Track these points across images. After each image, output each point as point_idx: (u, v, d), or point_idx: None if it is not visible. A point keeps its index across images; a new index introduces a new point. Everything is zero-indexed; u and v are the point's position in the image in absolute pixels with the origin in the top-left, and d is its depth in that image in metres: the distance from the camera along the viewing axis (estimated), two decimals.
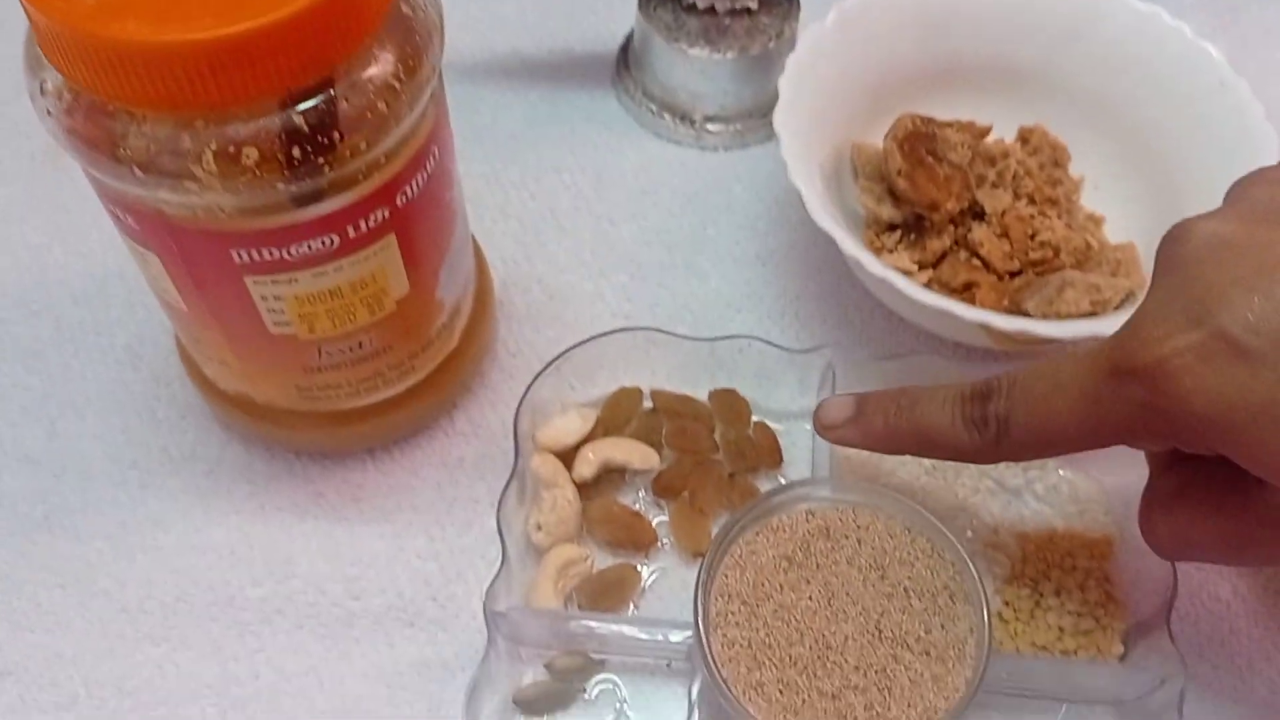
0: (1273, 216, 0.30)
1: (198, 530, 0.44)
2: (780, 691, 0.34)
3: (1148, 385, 0.29)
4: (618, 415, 0.45)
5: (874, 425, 0.37)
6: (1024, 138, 0.51)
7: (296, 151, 0.31)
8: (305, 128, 0.31)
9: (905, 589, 0.36)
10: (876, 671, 0.35)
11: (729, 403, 0.45)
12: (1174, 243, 0.31)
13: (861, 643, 0.35)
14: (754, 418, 0.45)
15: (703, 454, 0.44)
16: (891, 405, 0.37)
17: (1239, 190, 0.32)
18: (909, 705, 0.34)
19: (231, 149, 0.30)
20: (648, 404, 0.46)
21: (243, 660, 0.41)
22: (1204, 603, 0.42)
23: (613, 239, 0.52)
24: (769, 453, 0.44)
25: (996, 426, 0.34)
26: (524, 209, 0.53)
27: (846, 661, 0.35)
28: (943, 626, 0.36)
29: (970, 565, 0.36)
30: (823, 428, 0.38)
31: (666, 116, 0.55)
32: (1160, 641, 0.38)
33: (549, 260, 0.51)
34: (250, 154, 0.30)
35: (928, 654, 0.35)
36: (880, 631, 0.35)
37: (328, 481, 0.45)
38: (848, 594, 0.36)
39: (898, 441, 0.37)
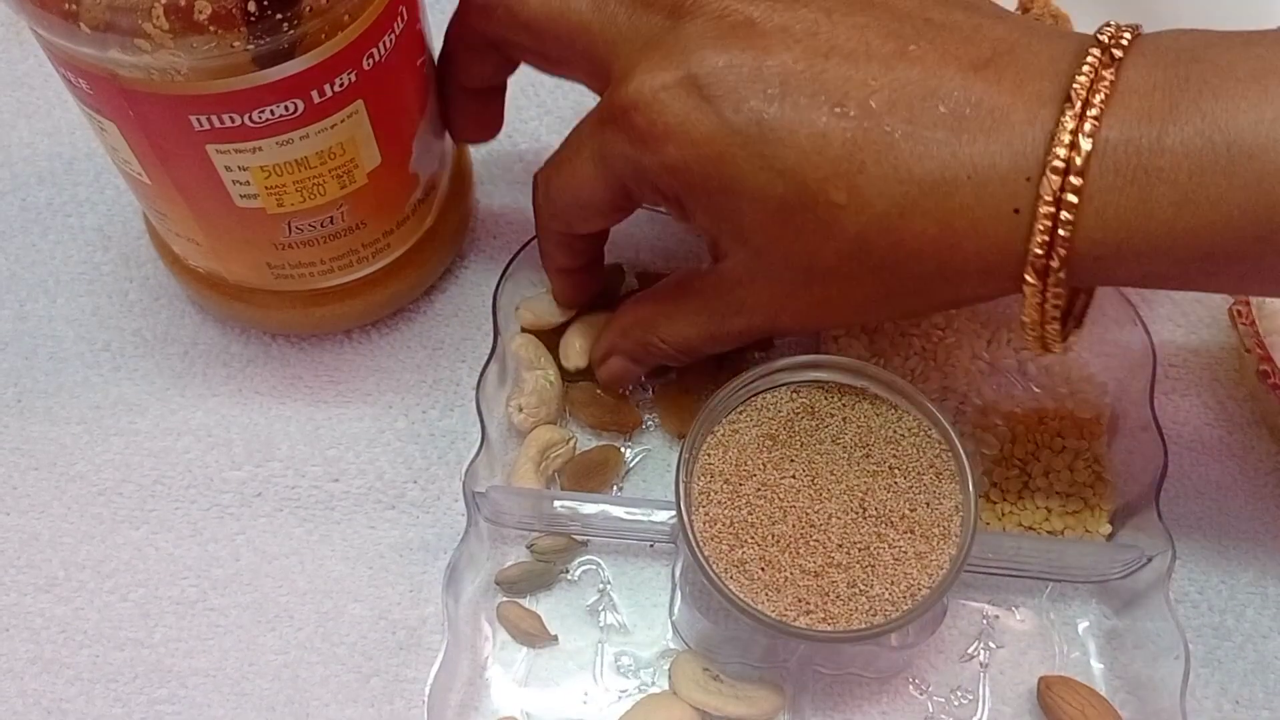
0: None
1: (174, 413, 0.43)
2: (762, 569, 0.34)
3: (626, 126, 0.32)
4: (602, 294, 0.43)
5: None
6: (1025, 6, 0.49)
7: (253, 7, 0.29)
8: None
9: (891, 467, 0.36)
10: (860, 549, 0.34)
11: None
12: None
13: (845, 520, 0.35)
14: None
15: None
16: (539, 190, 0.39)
17: None
18: (892, 582, 0.34)
19: (183, 3, 0.29)
20: (633, 282, 0.44)
21: (223, 543, 0.41)
22: (1194, 484, 0.42)
23: None
24: None
25: (543, 188, 0.38)
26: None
27: (830, 539, 0.34)
28: (928, 504, 0.35)
29: (957, 443, 0.36)
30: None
31: None
32: (1148, 521, 0.38)
33: (531, 137, 0.49)
34: (203, 9, 0.29)
35: (912, 531, 0.35)
36: (864, 509, 0.35)
37: (305, 364, 0.44)
38: (832, 472, 0.35)
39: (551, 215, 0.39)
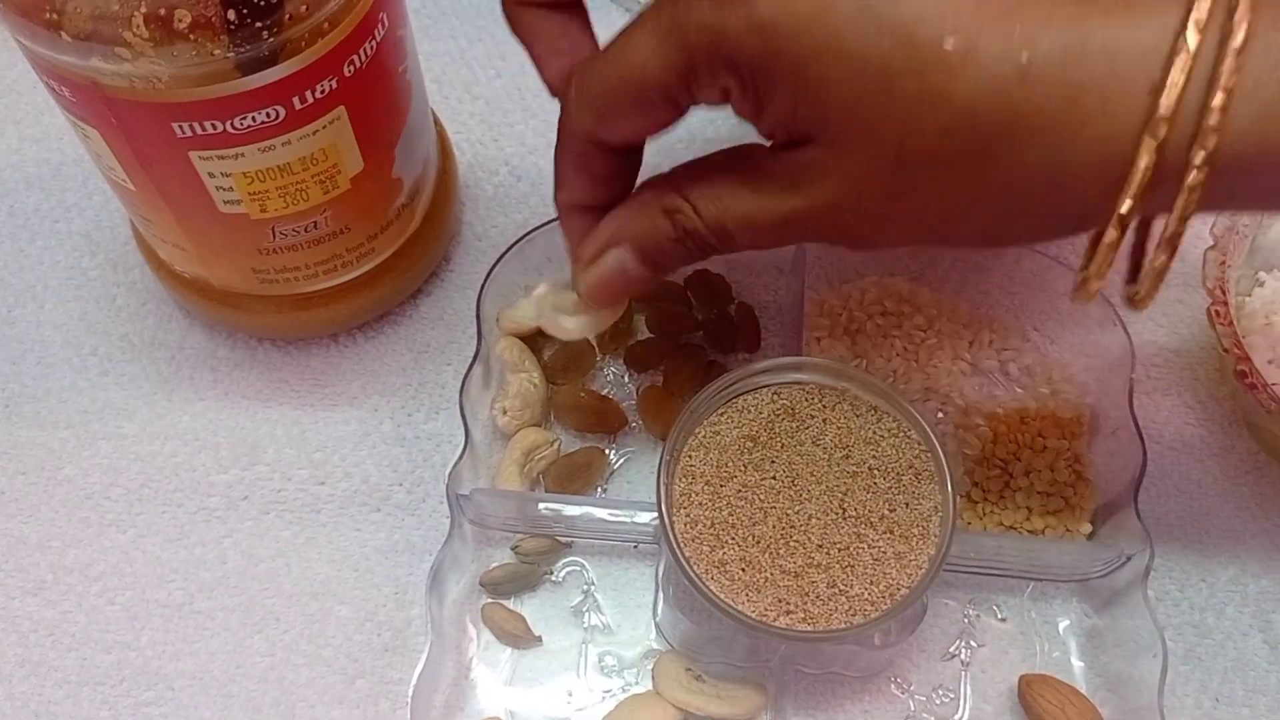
0: None
1: (161, 417, 0.43)
2: (743, 570, 0.34)
3: None
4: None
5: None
6: None
7: (233, 15, 0.30)
8: None
9: (870, 468, 0.36)
10: (840, 549, 0.35)
11: (707, 284, 0.44)
12: None
13: (825, 521, 0.35)
14: (737, 299, 0.44)
15: (683, 335, 0.43)
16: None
17: None
18: (872, 583, 0.34)
19: (163, 12, 0.29)
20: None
21: (210, 545, 0.41)
22: (1174, 483, 0.42)
23: None
24: (748, 335, 0.43)
25: (579, 79, 0.32)
26: (490, 88, 0.51)
27: (810, 540, 0.35)
28: (907, 505, 0.35)
29: (936, 443, 0.36)
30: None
31: None
32: (1128, 520, 0.38)
33: (517, 141, 0.50)
34: (183, 17, 0.29)
35: (891, 532, 0.35)
36: (844, 510, 0.35)
37: (291, 367, 0.44)
38: (812, 473, 0.36)
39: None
